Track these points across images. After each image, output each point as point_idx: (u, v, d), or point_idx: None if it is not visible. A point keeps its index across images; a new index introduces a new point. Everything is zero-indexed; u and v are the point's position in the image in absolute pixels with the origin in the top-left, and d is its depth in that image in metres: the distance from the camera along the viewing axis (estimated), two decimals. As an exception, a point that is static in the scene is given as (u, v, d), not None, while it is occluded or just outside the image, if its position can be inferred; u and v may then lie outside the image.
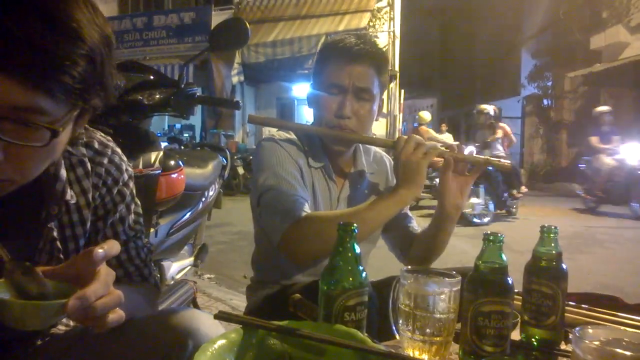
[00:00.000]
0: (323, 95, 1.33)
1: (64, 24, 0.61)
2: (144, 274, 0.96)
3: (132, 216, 0.96)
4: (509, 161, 1.37)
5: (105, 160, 0.90)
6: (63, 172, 0.83)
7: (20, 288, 0.64)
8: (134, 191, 0.96)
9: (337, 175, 1.41)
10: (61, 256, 0.84)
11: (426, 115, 9.14)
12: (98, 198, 0.89)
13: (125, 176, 0.93)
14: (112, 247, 0.68)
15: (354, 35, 1.35)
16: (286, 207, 1.21)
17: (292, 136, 1.39)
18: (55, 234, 0.83)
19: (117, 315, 0.68)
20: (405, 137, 1.26)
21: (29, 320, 0.62)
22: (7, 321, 0.62)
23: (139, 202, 0.98)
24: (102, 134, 0.93)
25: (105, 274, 0.67)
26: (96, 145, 0.90)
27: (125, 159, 0.94)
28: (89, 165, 0.88)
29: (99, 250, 0.65)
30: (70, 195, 0.83)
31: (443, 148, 1.29)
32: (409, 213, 1.52)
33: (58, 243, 0.83)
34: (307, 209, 1.24)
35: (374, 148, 1.54)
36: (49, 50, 0.60)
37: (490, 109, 7.57)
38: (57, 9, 0.62)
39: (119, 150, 0.94)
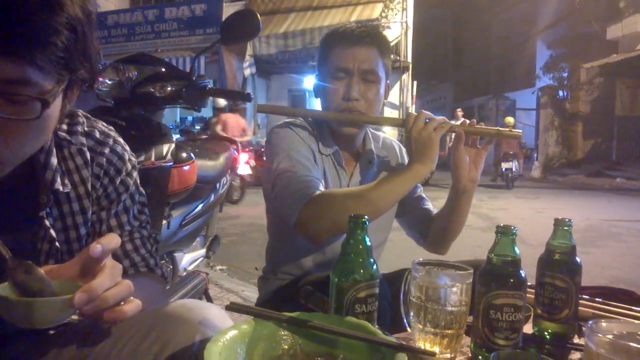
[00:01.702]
0: (330, 81, 1.34)
1: None
2: (150, 264, 0.96)
3: (137, 206, 0.95)
4: (519, 130, 1.37)
5: (107, 150, 0.89)
6: (53, 161, 0.83)
7: (23, 287, 0.64)
8: (138, 181, 0.96)
9: (346, 163, 1.42)
10: (57, 244, 0.84)
11: (511, 119, 9.57)
12: (100, 188, 0.89)
13: (129, 166, 0.92)
14: (110, 240, 0.68)
15: (355, 23, 1.38)
16: (301, 187, 1.22)
17: (305, 123, 1.40)
18: (47, 222, 0.83)
19: (133, 304, 0.68)
20: (415, 113, 1.26)
21: (36, 318, 0.62)
22: (14, 320, 0.62)
23: (143, 192, 0.98)
24: (104, 124, 0.92)
25: (111, 266, 0.68)
26: (97, 134, 0.89)
27: (128, 148, 0.93)
28: (88, 155, 0.87)
29: (97, 246, 0.66)
30: (59, 184, 0.83)
31: (452, 122, 1.29)
32: (424, 195, 1.52)
33: (52, 231, 0.83)
34: (321, 188, 1.24)
35: (382, 135, 1.54)
36: (31, 20, 0.61)
37: None
38: None
39: (121, 140, 0.93)
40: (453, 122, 1.29)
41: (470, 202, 1.37)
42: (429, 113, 1.26)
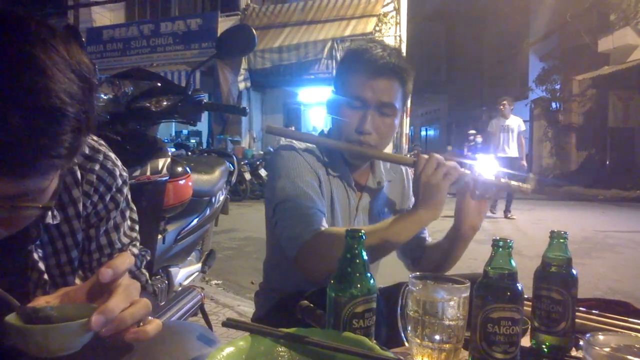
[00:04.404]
0: (345, 109, 1.30)
1: (46, 110, 0.55)
2: (141, 281, 0.94)
3: (127, 222, 0.93)
4: (528, 185, 1.33)
5: (97, 167, 0.85)
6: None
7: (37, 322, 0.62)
8: (129, 197, 0.93)
9: (355, 185, 1.39)
10: (45, 277, 0.81)
11: None
12: (90, 206, 0.85)
13: (119, 182, 0.88)
14: (122, 262, 0.66)
15: (380, 46, 1.30)
16: (304, 220, 1.19)
17: (311, 145, 1.36)
18: (36, 255, 0.80)
19: (154, 324, 0.67)
20: (426, 156, 1.22)
21: (53, 345, 0.60)
22: (31, 350, 0.60)
23: (134, 208, 0.95)
24: (94, 138, 0.87)
25: (126, 285, 0.66)
26: (86, 150, 0.84)
27: (119, 163, 0.89)
28: (78, 174, 0.83)
29: (108, 270, 0.64)
30: (50, 217, 0.79)
31: (464, 170, 1.24)
32: None
33: (40, 264, 0.80)
34: (324, 224, 1.21)
35: None
36: (34, 143, 0.55)
37: None
38: (37, 93, 0.54)
39: (112, 154, 0.88)
40: (463, 169, 1.23)
41: (467, 245, 1.34)
42: (440, 157, 1.21)
